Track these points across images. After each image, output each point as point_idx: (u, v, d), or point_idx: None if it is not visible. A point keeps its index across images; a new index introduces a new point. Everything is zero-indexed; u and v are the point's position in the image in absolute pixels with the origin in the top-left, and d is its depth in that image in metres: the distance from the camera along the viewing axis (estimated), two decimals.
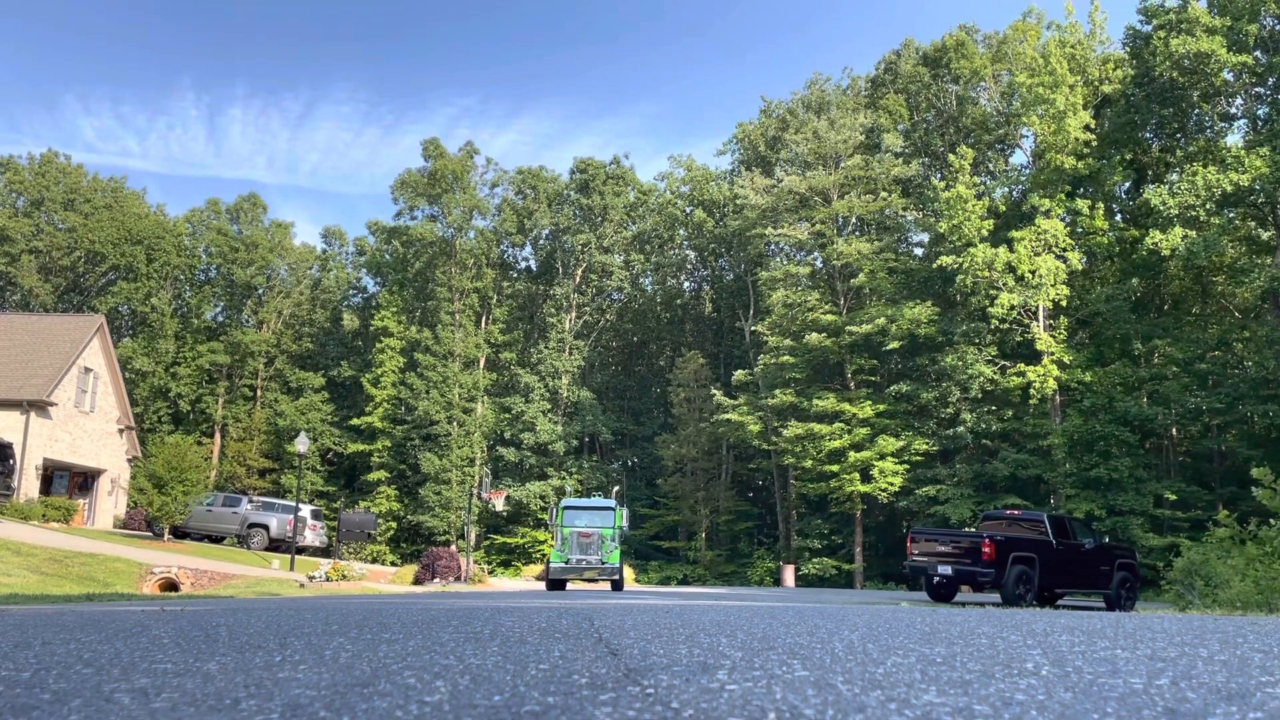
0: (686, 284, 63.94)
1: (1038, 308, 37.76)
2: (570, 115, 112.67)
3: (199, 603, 8.98)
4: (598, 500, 27.62)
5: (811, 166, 46.21)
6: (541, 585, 33.36)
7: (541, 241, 61.64)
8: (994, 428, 39.62)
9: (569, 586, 26.42)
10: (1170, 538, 30.49)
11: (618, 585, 24.15)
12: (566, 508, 24.81)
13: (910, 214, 45.96)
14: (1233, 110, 37.61)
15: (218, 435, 61.74)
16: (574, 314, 57.18)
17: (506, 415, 54.06)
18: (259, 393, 62.98)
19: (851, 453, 41.50)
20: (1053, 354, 37.01)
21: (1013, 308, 36.94)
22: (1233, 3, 34.12)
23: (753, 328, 49.36)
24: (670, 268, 61.28)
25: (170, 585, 23.16)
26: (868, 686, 2.15)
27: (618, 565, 23.90)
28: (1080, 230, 38.65)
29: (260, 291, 65.58)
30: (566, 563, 23.56)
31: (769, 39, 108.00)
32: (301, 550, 34.53)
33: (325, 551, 39.77)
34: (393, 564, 44.81)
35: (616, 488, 26.39)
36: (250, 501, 36.43)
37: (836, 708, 1.87)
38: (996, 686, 2.18)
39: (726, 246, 56.59)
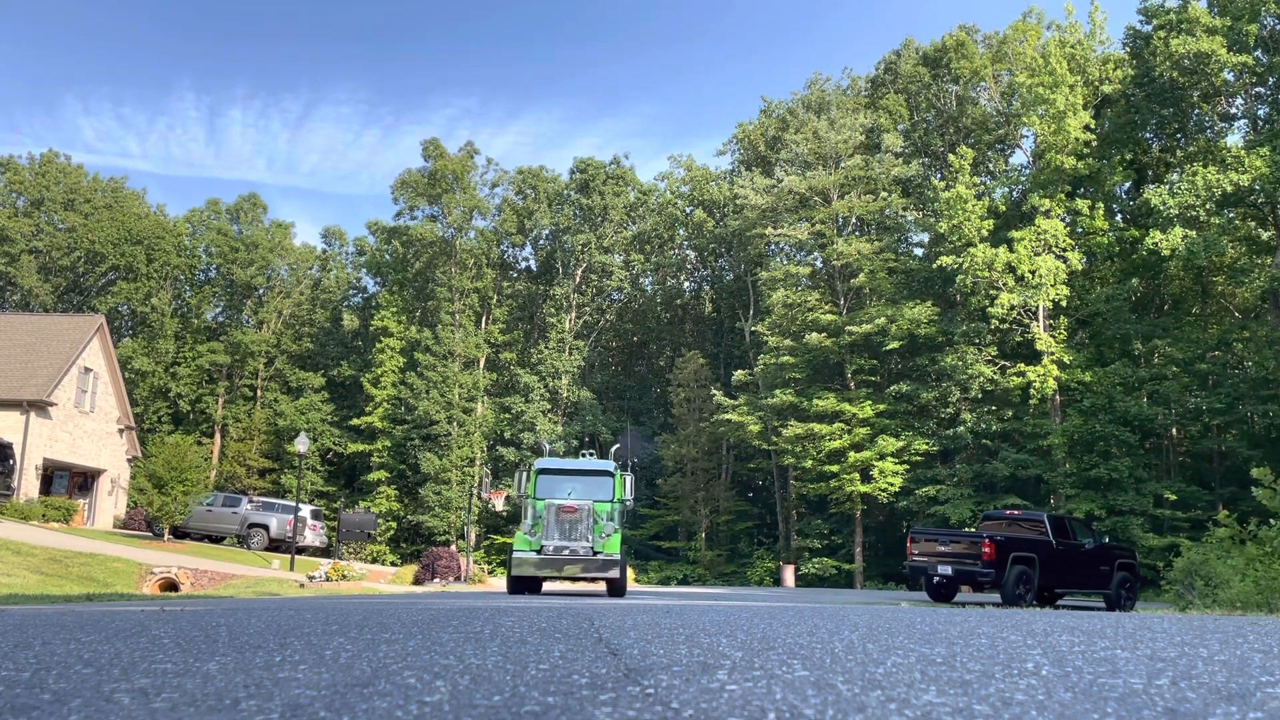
0: (686, 284, 63.95)
1: (1038, 308, 37.76)
2: (570, 115, 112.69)
3: (199, 603, 8.97)
4: (589, 461, 19.20)
5: (811, 166, 46.22)
6: (559, 587, 25.29)
7: (541, 241, 61.65)
8: (994, 428, 39.61)
9: (545, 587, 20.00)
10: (1170, 538, 30.49)
11: (617, 587, 17.00)
12: (542, 472, 17.60)
13: (910, 214, 45.96)
14: (1233, 110, 37.63)
15: (218, 435, 61.74)
16: (574, 314, 57.18)
17: (506, 415, 54.06)
18: (259, 393, 62.98)
19: (851, 453, 41.50)
20: (1053, 354, 37.01)
21: (1013, 308, 36.95)
22: (1233, 3, 34.12)
23: (753, 328, 49.35)
24: (670, 268, 61.29)
25: (170, 585, 23.16)
26: (868, 686, 2.15)
27: (618, 558, 16.51)
28: (1080, 230, 38.66)
29: (260, 291, 65.60)
30: (539, 552, 16.35)
31: (769, 39, 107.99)
32: (301, 550, 34.53)
33: (325, 551, 39.76)
34: (393, 564, 44.81)
35: (616, 446, 21.84)
36: (250, 501, 36.43)
37: (836, 708, 1.87)
38: (996, 686, 2.18)
39: (726, 246, 56.58)
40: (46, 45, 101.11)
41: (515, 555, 16.56)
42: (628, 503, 17.93)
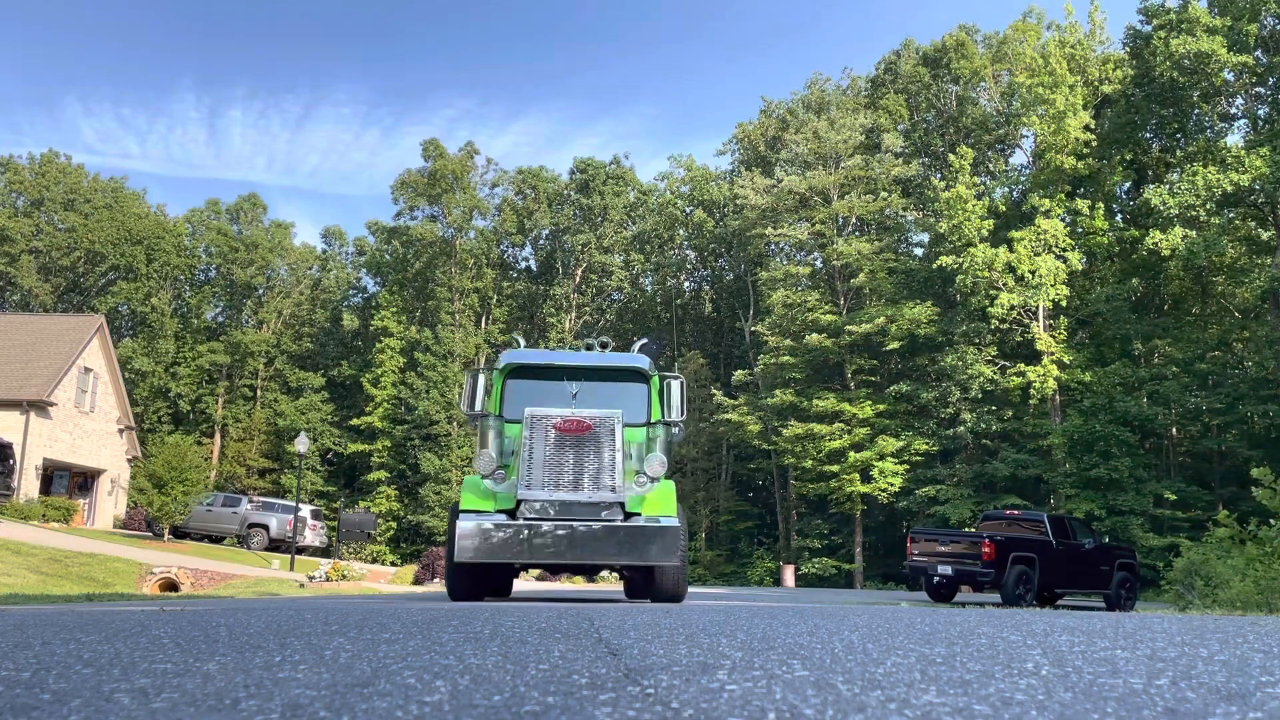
0: (686, 284, 64.01)
1: (1038, 308, 37.78)
2: (570, 117, 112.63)
3: (199, 603, 8.98)
4: (602, 355, 10.75)
5: (811, 166, 46.24)
6: (542, 585, 21.71)
7: (541, 241, 61.70)
8: (994, 428, 39.63)
9: (522, 585, 13.68)
10: (1170, 538, 30.48)
11: (669, 584, 9.24)
12: (516, 372, 9.95)
13: (910, 214, 46.01)
14: (1233, 110, 37.65)
15: (218, 435, 61.76)
16: (574, 314, 57.20)
17: None
18: (259, 393, 63.02)
19: (851, 453, 41.52)
20: (1053, 354, 37.03)
21: (1013, 308, 36.97)
22: (1233, 3, 34.14)
23: (753, 328, 49.37)
24: (670, 268, 61.34)
25: (170, 585, 23.15)
26: (868, 686, 2.15)
27: (674, 524, 8.97)
28: (1080, 230, 38.68)
29: (260, 291, 65.65)
30: (513, 514, 8.90)
31: (769, 39, 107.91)
32: (301, 550, 34.53)
33: (325, 551, 39.76)
34: (393, 564, 44.80)
35: (643, 341, 10.82)
36: (250, 501, 36.45)
37: (836, 708, 1.87)
38: (996, 686, 2.18)
39: (726, 246, 56.61)
40: (46, 45, 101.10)
41: (463, 524, 8.52)
42: (677, 430, 10.10)
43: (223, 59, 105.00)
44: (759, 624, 4.24)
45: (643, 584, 10.54)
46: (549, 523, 8.62)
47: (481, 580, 9.62)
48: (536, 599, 11.21)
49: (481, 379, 9.99)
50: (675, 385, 10.09)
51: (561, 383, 9.77)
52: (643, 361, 10.20)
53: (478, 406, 9.76)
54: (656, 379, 10.14)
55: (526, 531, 8.57)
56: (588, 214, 57.76)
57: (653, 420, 9.79)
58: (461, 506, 9.01)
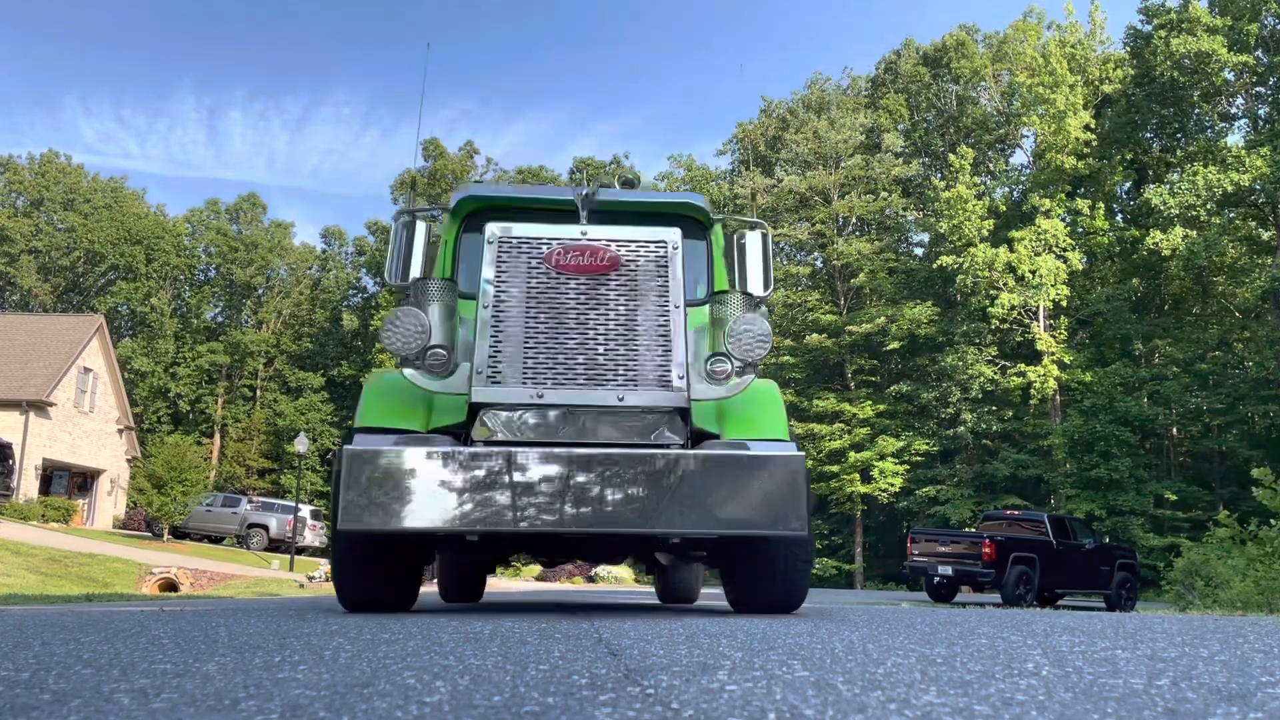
0: None
1: (1038, 308, 37.80)
2: (570, 118, 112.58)
3: (198, 603, 8.98)
4: (631, 193, 5.63)
5: (812, 166, 46.29)
6: (544, 586, 21.07)
7: None
8: (994, 428, 39.65)
9: (499, 587, 10.93)
10: (1170, 538, 30.50)
11: (783, 578, 4.84)
12: (478, 213, 5.35)
13: (910, 214, 46.04)
14: (1233, 110, 37.68)
15: (217, 435, 61.77)
16: None
17: None
18: (259, 393, 63.02)
19: (851, 453, 41.54)
20: (1053, 354, 37.04)
21: (1013, 308, 36.99)
22: (1233, 2, 34.17)
23: None
24: None
25: (170, 585, 23.15)
26: (868, 687, 2.15)
27: (799, 454, 4.17)
28: (1080, 230, 38.71)
29: (260, 291, 65.65)
30: (462, 433, 4.31)
31: (769, 39, 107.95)
32: (301, 550, 34.53)
33: (325, 551, 39.76)
34: None
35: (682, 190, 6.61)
36: (250, 502, 36.45)
37: (836, 708, 1.86)
38: (997, 686, 2.17)
39: None
40: (46, 45, 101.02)
41: (353, 451, 4.09)
42: (762, 300, 5.52)
43: (223, 59, 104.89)
44: (759, 624, 4.23)
45: (685, 578, 6.77)
46: (539, 451, 4.08)
47: (401, 571, 5.10)
48: (490, 601, 8.52)
49: (422, 228, 5.64)
50: (753, 239, 5.81)
51: (545, 216, 5.35)
52: (698, 200, 5.79)
53: (414, 272, 5.48)
54: (719, 230, 5.94)
55: (492, 468, 4.03)
56: None
57: (718, 291, 5.43)
58: (359, 422, 4.95)
